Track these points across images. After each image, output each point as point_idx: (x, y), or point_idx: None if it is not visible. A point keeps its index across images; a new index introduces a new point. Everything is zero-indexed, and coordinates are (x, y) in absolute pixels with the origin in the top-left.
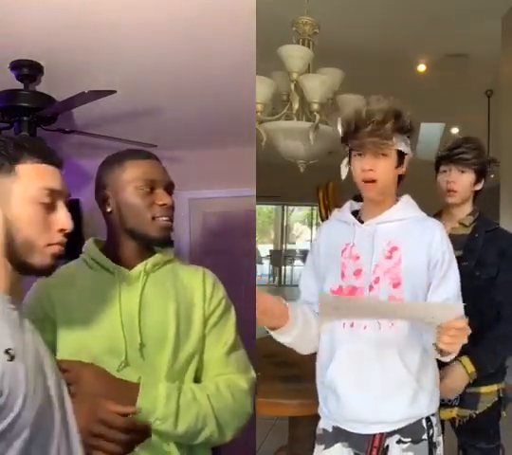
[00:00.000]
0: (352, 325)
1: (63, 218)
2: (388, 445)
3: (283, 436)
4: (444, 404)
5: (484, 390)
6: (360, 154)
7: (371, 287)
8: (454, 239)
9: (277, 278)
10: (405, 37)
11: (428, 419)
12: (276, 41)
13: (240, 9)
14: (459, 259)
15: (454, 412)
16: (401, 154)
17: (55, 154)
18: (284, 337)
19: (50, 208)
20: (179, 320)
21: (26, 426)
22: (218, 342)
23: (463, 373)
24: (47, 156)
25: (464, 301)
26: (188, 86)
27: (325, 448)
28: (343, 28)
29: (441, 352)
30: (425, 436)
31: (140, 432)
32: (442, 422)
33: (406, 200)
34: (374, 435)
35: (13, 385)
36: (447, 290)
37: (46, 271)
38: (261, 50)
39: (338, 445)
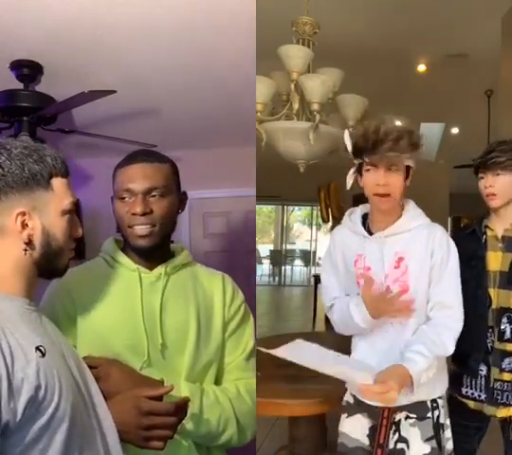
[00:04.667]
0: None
1: (77, 226)
2: (400, 420)
3: (283, 436)
4: (502, 402)
5: None
6: (369, 170)
7: None
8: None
9: (277, 278)
10: (405, 37)
11: (433, 400)
12: (276, 41)
13: (240, 9)
14: None
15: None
16: (407, 168)
17: (67, 166)
18: None
19: (72, 217)
20: (200, 323)
21: (64, 417)
22: (238, 348)
23: None
24: (67, 170)
25: None
26: (188, 86)
27: (347, 417)
28: (343, 28)
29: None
30: (429, 414)
31: (181, 410)
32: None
33: (411, 209)
34: (384, 408)
35: (50, 379)
36: (442, 292)
37: (62, 273)
38: (261, 50)
39: (358, 415)
